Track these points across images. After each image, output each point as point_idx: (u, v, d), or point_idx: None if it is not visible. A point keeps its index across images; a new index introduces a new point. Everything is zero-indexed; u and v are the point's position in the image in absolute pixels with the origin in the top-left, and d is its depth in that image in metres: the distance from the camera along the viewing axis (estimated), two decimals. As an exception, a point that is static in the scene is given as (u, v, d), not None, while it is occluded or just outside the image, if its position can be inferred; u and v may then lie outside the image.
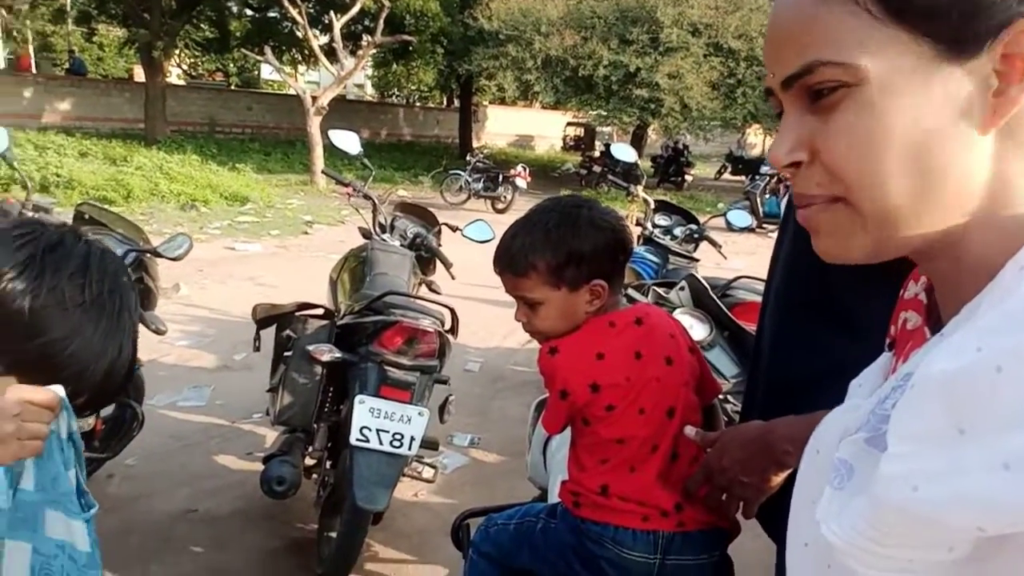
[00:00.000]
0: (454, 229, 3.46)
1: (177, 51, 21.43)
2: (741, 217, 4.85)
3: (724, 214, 5.25)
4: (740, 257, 7.31)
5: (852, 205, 0.53)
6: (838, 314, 1.05)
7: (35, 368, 0.88)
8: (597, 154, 19.43)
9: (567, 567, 1.25)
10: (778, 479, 1.07)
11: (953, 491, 0.42)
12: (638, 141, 19.62)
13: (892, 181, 0.51)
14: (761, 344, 1.27)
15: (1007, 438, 0.41)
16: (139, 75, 21.24)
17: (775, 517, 1.15)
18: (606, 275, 1.22)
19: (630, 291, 2.96)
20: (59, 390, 0.89)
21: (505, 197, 13.22)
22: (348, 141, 3.48)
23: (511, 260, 1.25)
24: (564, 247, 1.20)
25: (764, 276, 3.46)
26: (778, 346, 1.20)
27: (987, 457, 0.41)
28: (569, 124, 29.34)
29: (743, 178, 21.72)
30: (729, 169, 23.79)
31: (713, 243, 4.25)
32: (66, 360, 0.90)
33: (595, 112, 17.71)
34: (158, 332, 2.61)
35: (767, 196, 13.29)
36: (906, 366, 0.53)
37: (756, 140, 31.04)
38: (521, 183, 13.29)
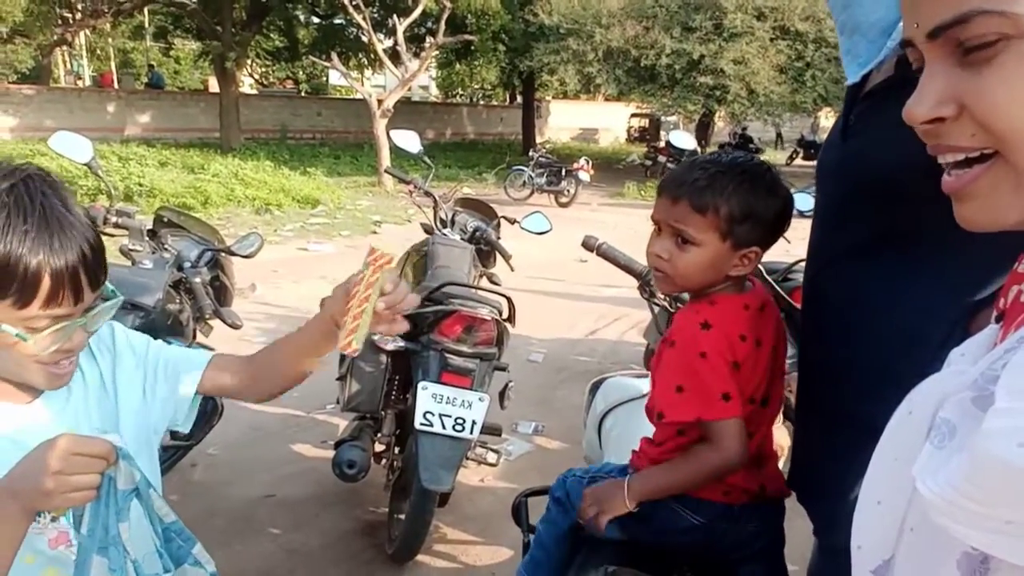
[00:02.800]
0: (512, 222, 3.53)
1: (249, 61, 22.20)
2: (806, 201, 4.75)
3: (789, 199, 5.13)
4: (805, 243, 7.15)
5: (1008, 160, 0.50)
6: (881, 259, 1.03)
7: None
8: (662, 144, 19.24)
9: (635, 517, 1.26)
10: None
11: None
12: (704, 129, 19.34)
13: None
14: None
15: None
16: (213, 86, 22.08)
17: (807, 481, 1.19)
18: (764, 245, 1.20)
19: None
20: (115, 439, 0.90)
21: (568, 191, 13.24)
22: (409, 140, 3.60)
23: (696, 191, 1.15)
24: (752, 203, 1.15)
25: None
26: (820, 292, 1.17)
27: None
28: (633, 115, 29.07)
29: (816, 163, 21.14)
30: (801, 154, 23.20)
31: (776, 228, 4.19)
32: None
33: (659, 102, 17.52)
34: (234, 327, 2.76)
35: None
36: (1020, 332, 0.50)
37: (828, 124, 30.09)
38: (584, 176, 13.29)
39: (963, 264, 0.91)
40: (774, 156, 23.64)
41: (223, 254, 2.93)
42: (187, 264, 2.70)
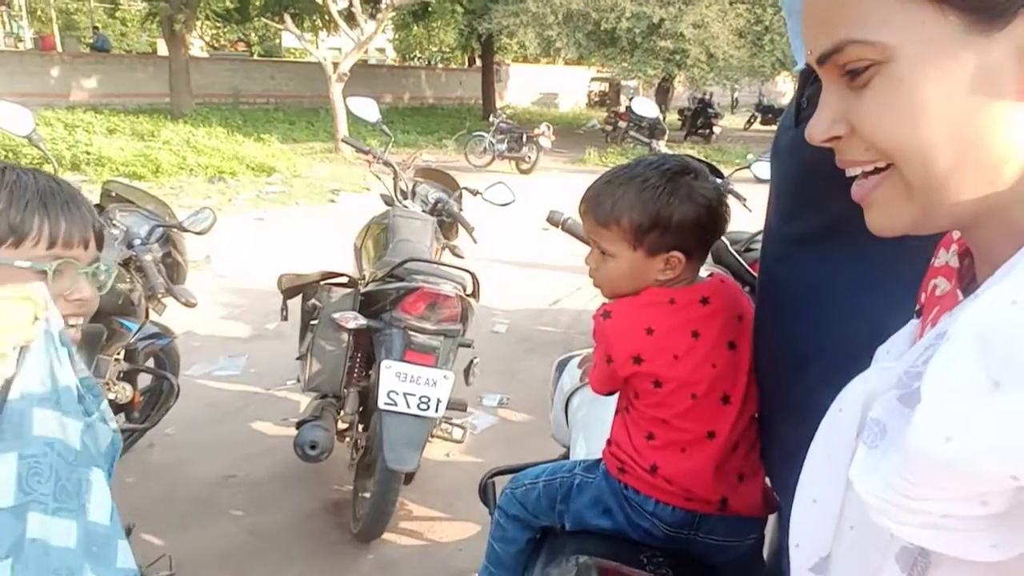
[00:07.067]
0: (475, 193, 3.47)
1: (198, 23, 21.47)
2: (767, 169, 4.77)
3: (749, 166, 5.18)
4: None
5: (899, 172, 0.54)
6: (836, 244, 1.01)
7: None
8: (622, 109, 19.19)
9: (604, 518, 1.25)
10: None
11: (987, 440, 0.42)
12: (664, 94, 19.33)
13: (931, 152, 0.51)
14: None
15: None
16: (162, 49, 21.34)
17: (779, 466, 1.18)
18: (687, 249, 1.17)
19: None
20: (40, 286, 0.95)
21: (529, 157, 13.14)
22: (367, 109, 3.49)
23: (597, 205, 1.19)
24: (653, 210, 1.14)
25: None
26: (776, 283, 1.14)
27: (1022, 407, 0.42)
28: (594, 79, 28.94)
29: (774, 127, 21.38)
30: (759, 119, 23.38)
31: (737, 196, 4.18)
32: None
33: (619, 66, 17.44)
34: (188, 304, 2.66)
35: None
36: (938, 327, 0.52)
37: (786, 88, 30.35)
38: (545, 142, 13.19)
39: (917, 254, 0.90)
40: (732, 121, 23.76)
41: (175, 229, 2.83)
42: (137, 241, 2.59)
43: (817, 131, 0.58)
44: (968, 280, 0.60)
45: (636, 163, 1.21)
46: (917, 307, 0.68)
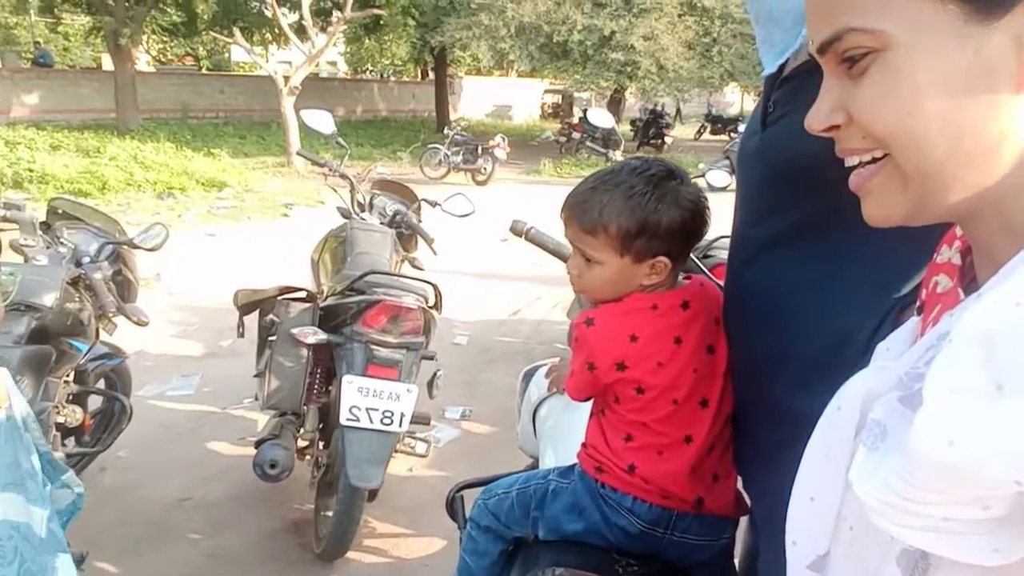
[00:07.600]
0: (433, 204, 3.45)
1: (145, 37, 21.07)
2: (719, 177, 4.84)
3: (703, 175, 5.24)
4: (721, 217, 7.32)
5: (895, 161, 0.54)
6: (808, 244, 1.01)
7: None
8: (576, 120, 19.34)
9: (579, 521, 1.24)
10: None
11: (990, 445, 0.42)
12: (616, 105, 19.55)
13: (926, 140, 0.51)
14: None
15: None
16: (107, 64, 20.89)
17: (753, 468, 1.18)
18: (672, 254, 1.17)
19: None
20: (3, 373, 0.90)
21: (485, 169, 13.16)
22: (322, 121, 3.45)
23: (582, 212, 1.17)
24: (641, 217, 1.13)
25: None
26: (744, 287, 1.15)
27: None
28: (547, 91, 29.16)
29: (726, 137, 21.84)
30: (709, 129, 23.80)
31: (693, 204, 4.24)
32: None
33: (572, 78, 17.61)
34: (140, 323, 2.59)
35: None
36: (940, 326, 0.52)
37: (734, 98, 31.00)
38: (500, 154, 13.22)
39: (887, 255, 0.90)
40: (682, 131, 24.11)
41: (125, 247, 2.75)
42: (86, 259, 2.51)
43: (816, 120, 0.58)
44: (970, 278, 0.59)
45: (620, 169, 1.20)
46: (918, 304, 0.68)
